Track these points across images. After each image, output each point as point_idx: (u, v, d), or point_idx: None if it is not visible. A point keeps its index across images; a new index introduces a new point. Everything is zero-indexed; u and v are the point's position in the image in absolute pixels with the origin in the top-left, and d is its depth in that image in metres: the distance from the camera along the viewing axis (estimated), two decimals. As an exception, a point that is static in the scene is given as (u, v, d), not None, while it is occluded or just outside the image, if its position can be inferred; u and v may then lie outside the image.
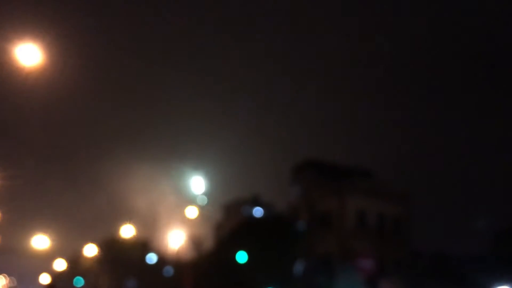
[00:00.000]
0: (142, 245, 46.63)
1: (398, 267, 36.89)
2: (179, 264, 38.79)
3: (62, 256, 48.02)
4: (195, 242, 41.24)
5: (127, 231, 37.57)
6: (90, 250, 44.40)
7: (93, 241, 44.58)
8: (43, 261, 46.98)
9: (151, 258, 42.98)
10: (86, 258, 51.35)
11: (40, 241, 36.53)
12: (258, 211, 48.86)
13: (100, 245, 45.83)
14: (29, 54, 12.06)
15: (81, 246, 48.35)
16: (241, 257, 31.82)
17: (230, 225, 45.30)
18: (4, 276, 53.58)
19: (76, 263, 54.65)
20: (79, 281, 52.12)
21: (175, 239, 35.01)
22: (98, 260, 49.68)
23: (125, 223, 35.89)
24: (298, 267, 36.78)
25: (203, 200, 33.44)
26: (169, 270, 40.46)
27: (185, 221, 33.49)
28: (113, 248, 47.77)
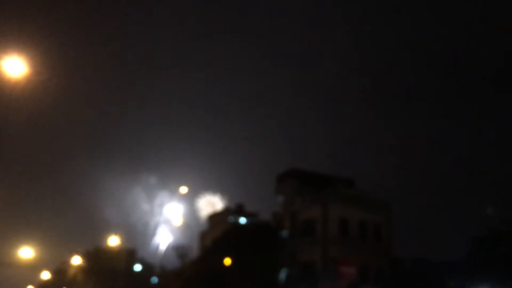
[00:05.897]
0: (128, 255, 46.66)
1: (379, 273, 37.39)
2: (164, 273, 39.05)
3: (47, 267, 48.03)
4: (179, 251, 41.50)
5: (111, 241, 37.93)
6: (75, 261, 44.51)
7: (77, 252, 44.71)
8: (28, 273, 46.90)
9: (137, 267, 43.17)
10: (71, 269, 51.29)
11: (25, 253, 36.71)
12: (242, 220, 49.15)
13: (84, 256, 45.90)
14: (15, 67, 12.70)
15: (66, 257, 48.43)
16: None
17: (214, 234, 45.45)
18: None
19: (61, 274, 54.51)
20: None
21: (160, 248, 35.37)
22: (83, 270, 49.66)
23: (109, 234, 36.24)
24: (282, 275, 37.16)
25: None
26: (154, 279, 40.67)
27: (169, 230, 33.94)
28: (98, 258, 47.83)
